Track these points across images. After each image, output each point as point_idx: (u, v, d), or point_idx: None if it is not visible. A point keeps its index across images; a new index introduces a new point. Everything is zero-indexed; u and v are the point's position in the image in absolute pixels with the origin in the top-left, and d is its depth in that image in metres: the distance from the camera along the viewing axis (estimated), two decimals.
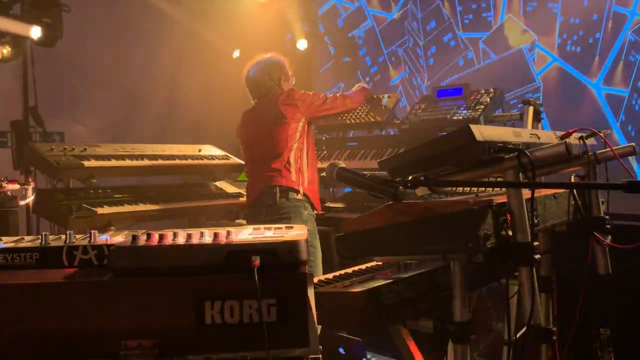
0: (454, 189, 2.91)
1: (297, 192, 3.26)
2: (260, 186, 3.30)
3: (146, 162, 3.56)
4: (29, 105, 4.07)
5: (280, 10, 5.59)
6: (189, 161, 3.83)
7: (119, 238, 1.33)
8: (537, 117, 3.22)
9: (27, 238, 1.39)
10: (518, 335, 1.74)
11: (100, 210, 3.11)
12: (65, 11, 4.06)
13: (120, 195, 3.39)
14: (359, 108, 3.98)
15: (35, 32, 3.86)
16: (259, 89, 3.49)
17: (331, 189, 4.16)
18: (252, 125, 3.50)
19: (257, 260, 1.11)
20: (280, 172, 3.26)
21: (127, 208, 3.28)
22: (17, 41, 3.97)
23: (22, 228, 3.86)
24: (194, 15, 5.64)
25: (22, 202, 3.29)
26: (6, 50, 3.95)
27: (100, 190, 3.35)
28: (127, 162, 3.47)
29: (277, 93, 3.43)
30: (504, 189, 1.58)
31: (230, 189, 4.00)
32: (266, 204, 3.23)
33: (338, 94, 3.55)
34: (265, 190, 3.25)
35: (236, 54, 5.75)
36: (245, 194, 3.91)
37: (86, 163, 3.24)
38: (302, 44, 5.57)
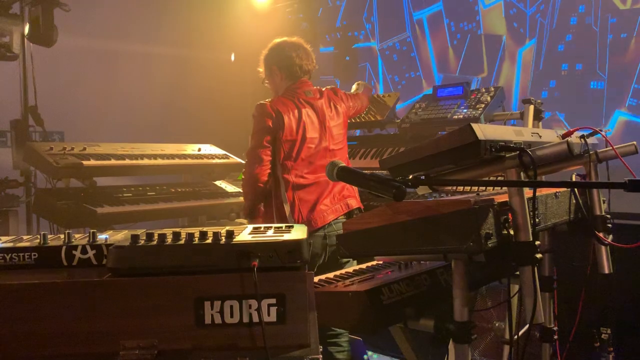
0: (455, 188, 2.91)
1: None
2: (337, 208, 2.95)
3: (146, 161, 3.56)
4: (28, 104, 4.06)
5: (278, 10, 5.60)
6: (189, 160, 3.83)
7: (118, 237, 1.32)
8: (537, 116, 3.21)
9: (25, 237, 1.38)
10: (519, 334, 1.73)
11: (100, 210, 3.11)
12: (65, 10, 4.06)
13: (120, 195, 3.39)
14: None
15: (29, 30, 3.86)
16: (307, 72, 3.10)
17: None
18: (308, 119, 2.94)
19: (256, 260, 1.10)
20: (352, 190, 3.05)
21: (127, 208, 3.27)
22: (17, 40, 3.96)
23: (22, 228, 3.86)
24: (193, 14, 5.65)
25: None
26: (6, 49, 3.95)
27: (99, 190, 3.35)
28: (127, 162, 3.46)
29: (318, 88, 3.11)
30: (505, 188, 1.57)
31: (230, 188, 3.99)
32: None
33: (355, 93, 3.43)
34: (342, 214, 2.95)
35: (232, 57, 5.77)
36: None
37: (86, 163, 3.24)
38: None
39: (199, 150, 4.01)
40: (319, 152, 2.95)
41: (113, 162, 3.39)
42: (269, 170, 2.88)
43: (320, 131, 2.97)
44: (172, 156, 3.76)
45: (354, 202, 3.05)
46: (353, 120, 3.94)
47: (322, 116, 3.00)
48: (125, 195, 3.41)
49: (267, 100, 2.95)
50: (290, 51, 3.04)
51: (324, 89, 3.14)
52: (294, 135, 2.89)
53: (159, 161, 3.63)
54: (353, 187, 3.02)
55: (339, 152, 3.06)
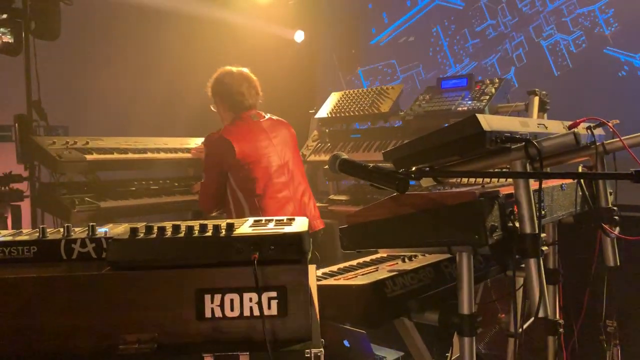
0: (460, 180, 2.88)
1: None
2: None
3: (149, 155, 3.55)
4: (32, 99, 4.05)
5: (279, 4, 5.58)
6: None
7: (117, 231, 1.31)
8: (542, 108, 3.18)
9: (25, 231, 1.37)
10: (524, 327, 1.72)
11: (103, 204, 3.11)
12: (67, 4, 4.04)
13: (123, 189, 3.38)
14: (362, 100, 3.96)
15: (32, 24, 3.85)
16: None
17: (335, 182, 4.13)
18: (260, 142, 2.96)
19: (257, 253, 1.09)
20: (316, 211, 3.09)
21: (130, 201, 3.27)
22: (20, 35, 3.95)
23: (26, 222, 3.86)
24: (196, 6, 5.62)
25: None
26: (9, 44, 3.93)
27: (103, 184, 3.34)
28: (130, 156, 3.45)
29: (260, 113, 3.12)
30: (510, 179, 1.55)
31: None
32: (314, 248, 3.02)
33: None
34: (314, 234, 2.94)
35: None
36: None
37: (88, 157, 3.23)
38: (298, 36, 5.59)
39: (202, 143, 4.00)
40: (276, 171, 2.93)
41: (116, 156, 3.39)
42: (219, 203, 2.96)
43: (273, 150, 2.96)
44: (176, 150, 3.75)
45: (319, 223, 3.06)
46: (357, 114, 3.92)
47: (271, 135, 3.00)
48: (128, 189, 3.40)
49: (216, 131, 2.98)
50: (232, 86, 3.04)
51: (267, 114, 3.12)
52: (250, 159, 2.87)
53: (162, 155, 3.63)
54: (316, 207, 3.08)
55: (296, 170, 3.04)
